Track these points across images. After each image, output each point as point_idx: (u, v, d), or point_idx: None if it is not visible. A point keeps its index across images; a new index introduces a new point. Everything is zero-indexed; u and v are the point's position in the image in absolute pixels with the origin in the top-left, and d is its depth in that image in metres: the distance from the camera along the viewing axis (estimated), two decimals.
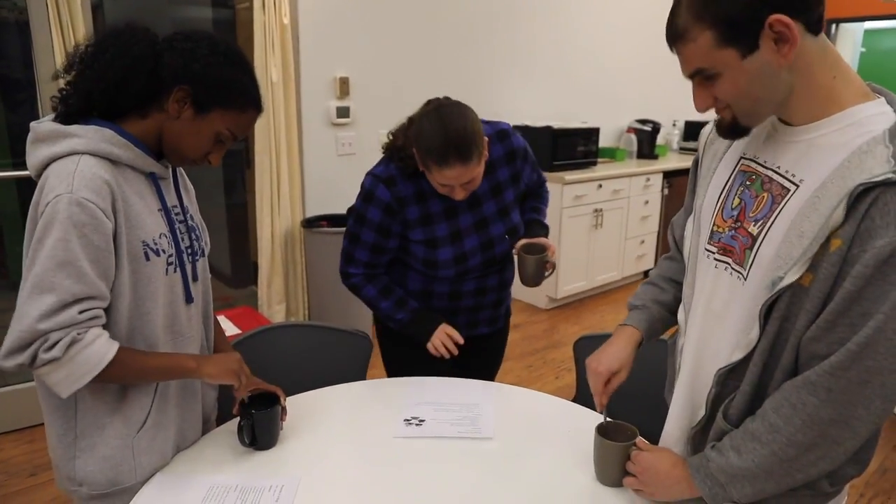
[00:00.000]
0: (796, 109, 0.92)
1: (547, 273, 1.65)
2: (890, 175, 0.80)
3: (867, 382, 0.84)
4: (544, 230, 1.75)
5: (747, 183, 0.99)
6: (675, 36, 0.91)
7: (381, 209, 1.53)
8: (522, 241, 1.65)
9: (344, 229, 3.18)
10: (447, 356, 1.58)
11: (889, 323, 0.81)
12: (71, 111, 1.07)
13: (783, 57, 0.85)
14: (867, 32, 7.16)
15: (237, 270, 4.05)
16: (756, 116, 0.93)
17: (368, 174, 1.57)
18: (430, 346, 1.59)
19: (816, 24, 0.87)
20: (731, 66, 0.87)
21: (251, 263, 3.79)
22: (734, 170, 1.03)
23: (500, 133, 1.63)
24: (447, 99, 1.49)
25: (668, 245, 1.31)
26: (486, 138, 1.45)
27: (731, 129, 0.96)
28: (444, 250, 1.57)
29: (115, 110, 1.08)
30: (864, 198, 0.82)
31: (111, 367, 1.03)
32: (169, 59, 1.07)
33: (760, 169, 0.98)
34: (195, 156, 1.14)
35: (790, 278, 0.88)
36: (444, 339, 1.58)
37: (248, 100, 1.13)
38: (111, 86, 1.05)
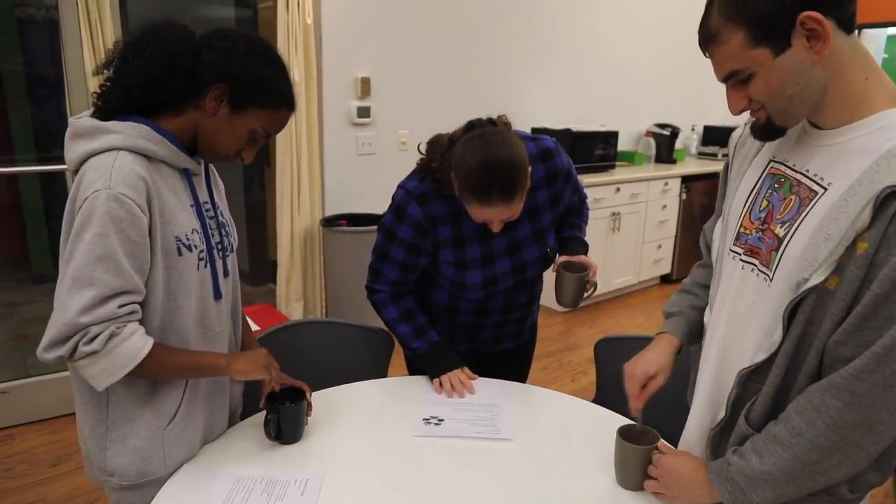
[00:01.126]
0: (828, 111, 0.92)
1: (587, 293, 1.56)
2: None
3: (891, 386, 0.84)
4: (584, 248, 1.64)
5: (776, 186, 0.99)
6: (708, 39, 0.91)
7: (413, 227, 1.46)
8: (562, 259, 1.57)
9: (362, 229, 3.23)
10: (451, 397, 1.49)
11: None
12: (111, 107, 1.08)
13: (816, 54, 0.86)
14: (890, 38, 7.07)
15: (255, 268, 4.08)
16: (791, 116, 0.93)
17: (401, 187, 1.47)
18: (436, 381, 1.52)
19: (849, 21, 0.87)
20: (765, 65, 0.88)
21: (269, 261, 3.82)
22: (763, 172, 1.03)
23: (544, 152, 1.52)
24: (491, 124, 1.38)
25: (697, 250, 1.31)
26: (529, 168, 1.35)
27: (766, 130, 0.96)
28: (473, 273, 1.50)
29: (153, 106, 1.10)
30: (891, 201, 0.82)
31: (146, 363, 1.05)
32: (208, 57, 1.08)
33: (790, 172, 0.98)
34: (229, 152, 1.15)
35: (815, 280, 0.88)
36: (456, 383, 1.50)
37: (283, 99, 1.15)
38: (151, 82, 1.07)
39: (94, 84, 2.53)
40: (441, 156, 1.39)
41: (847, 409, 0.86)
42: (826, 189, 0.90)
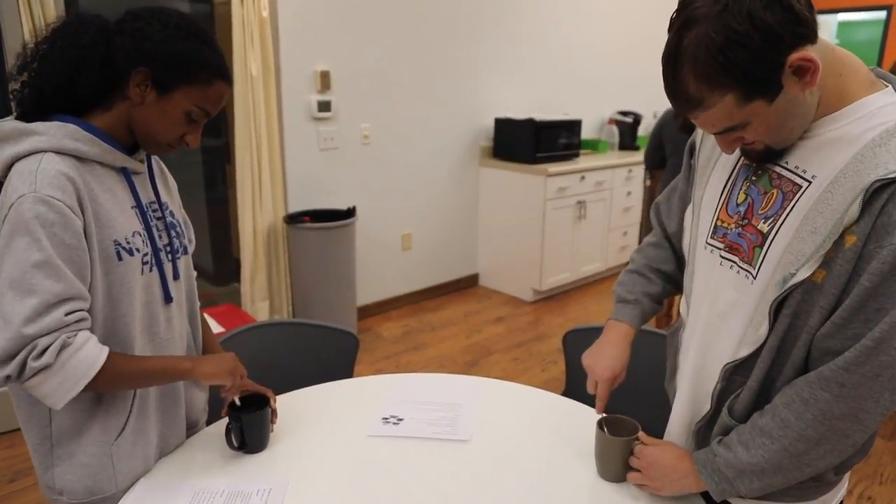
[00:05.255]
0: None
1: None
2: None
3: (878, 376, 0.84)
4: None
5: (753, 178, 0.98)
6: (692, 106, 0.86)
7: None
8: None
9: (327, 225, 3.18)
10: None
11: None
12: (27, 111, 1.02)
13: (808, 85, 0.83)
14: (841, 24, 7.24)
15: (219, 268, 3.99)
16: (791, 140, 0.91)
17: None
18: None
19: (815, 34, 0.85)
20: (761, 113, 0.85)
21: (233, 260, 3.74)
22: (738, 163, 1.02)
23: None
24: None
25: (651, 228, 1.30)
26: None
27: (766, 156, 0.93)
28: None
29: (77, 105, 1.04)
30: (880, 194, 0.81)
31: (103, 373, 0.99)
32: (120, 43, 1.02)
33: (768, 164, 0.96)
34: (169, 139, 1.08)
35: (802, 275, 0.87)
36: None
37: (211, 71, 1.06)
38: (64, 80, 1.01)
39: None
40: None
41: (836, 400, 0.86)
42: (810, 182, 0.89)
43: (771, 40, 0.78)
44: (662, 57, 0.86)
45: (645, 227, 4.86)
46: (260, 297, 3.34)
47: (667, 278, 1.25)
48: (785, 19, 0.78)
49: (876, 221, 0.81)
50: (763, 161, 0.95)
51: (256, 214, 3.24)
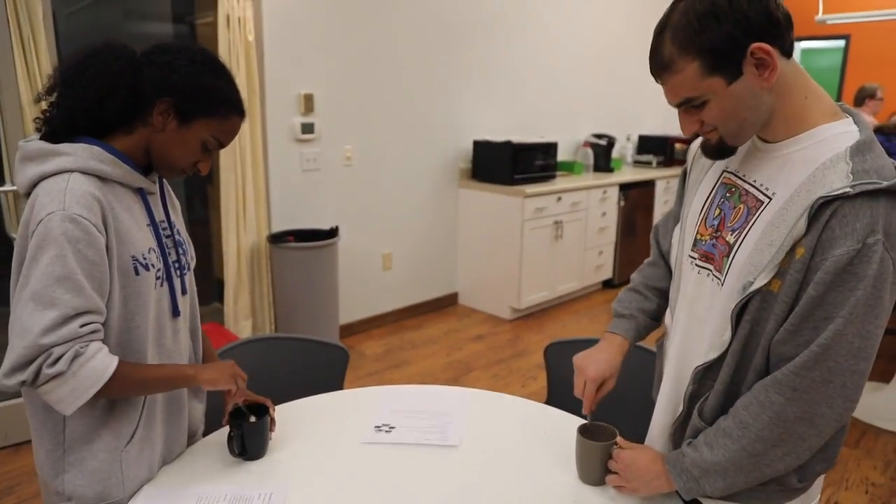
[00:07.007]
0: (774, 128, 0.99)
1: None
2: (847, 189, 0.88)
3: (829, 382, 0.91)
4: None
5: (727, 195, 1.07)
6: (662, 67, 0.96)
7: None
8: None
9: (310, 244, 3.23)
10: None
11: (848, 326, 0.89)
12: (56, 131, 1.08)
13: (765, 81, 0.93)
14: (804, 52, 7.55)
15: (200, 287, 4.00)
16: (742, 136, 1.00)
17: None
18: None
19: (789, 48, 0.95)
20: (718, 92, 0.94)
21: (214, 280, 3.75)
22: (717, 182, 1.11)
23: None
24: None
25: (637, 255, 1.39)
26: None
27: (718, 149, 1.02)
28: None
29: (101, 127, 1.10)
30: (824, 210, 0.90)
31: (112, 381, 1.04)
32: (149, 73, 1.09)
33: (739, 182, 1.05)
34: (184, 165, 1.16)
35: (759, 283, 0.95)
36: None
37: (230, 106, 1.15)
38: (93, 104, 1.07)
39: (33, 110, 2.47)
40: None
41: (789, 403, 0.94)
42: (770, 199, 0.98)
43: (741, 23, 0.89)
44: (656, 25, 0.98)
45: (620, 247, 5.00)
46: (243, 316, 3.37)
47: (662, 295, 1.32)
48: (760, 12, 0.90)
49: (821, 235, 0.90)
50: (717, 155, 1.04)
51: (240, 234, 3.28)
